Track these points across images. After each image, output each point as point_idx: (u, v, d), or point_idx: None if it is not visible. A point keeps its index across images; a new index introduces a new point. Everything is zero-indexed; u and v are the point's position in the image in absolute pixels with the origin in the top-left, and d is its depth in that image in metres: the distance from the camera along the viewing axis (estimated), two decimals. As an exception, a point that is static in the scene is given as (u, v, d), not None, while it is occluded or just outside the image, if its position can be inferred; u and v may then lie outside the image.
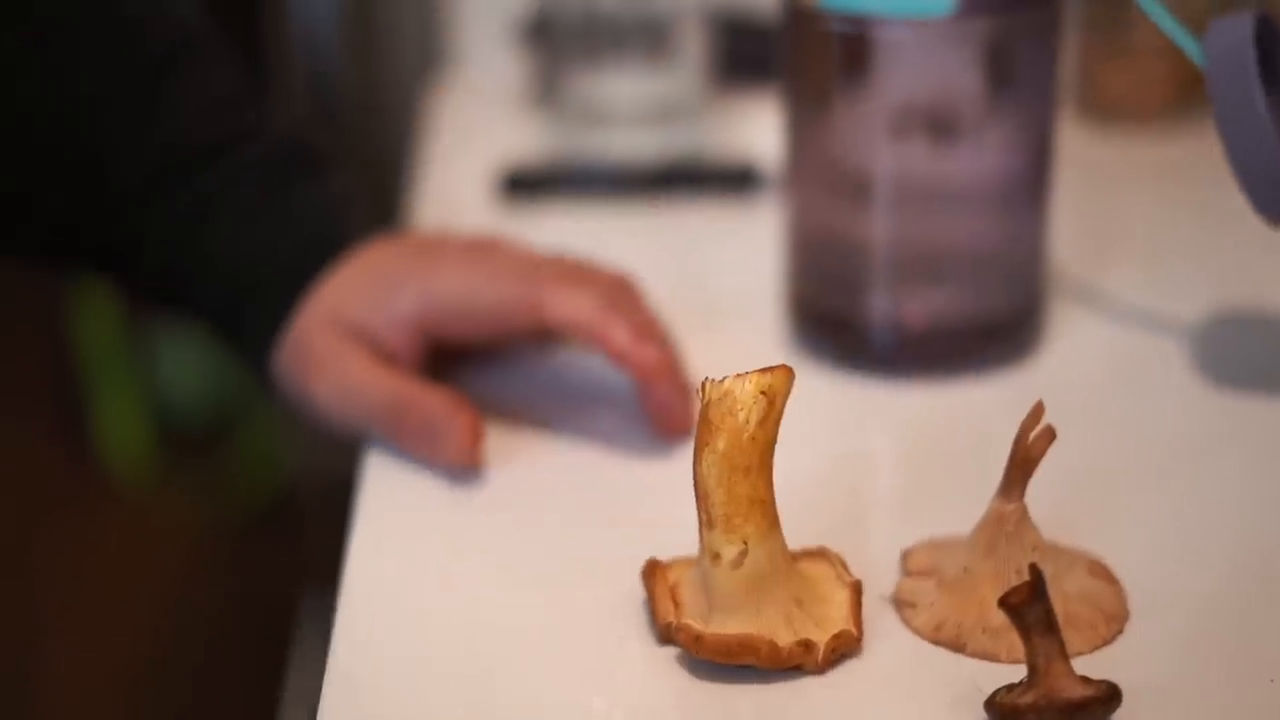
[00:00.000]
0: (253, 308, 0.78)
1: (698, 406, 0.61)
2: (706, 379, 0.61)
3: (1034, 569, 0.58)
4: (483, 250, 0.79)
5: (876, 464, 0.78)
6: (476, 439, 0.73)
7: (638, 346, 0.75)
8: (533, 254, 0.80)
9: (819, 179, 0.81)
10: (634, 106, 1.04)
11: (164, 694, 1.73)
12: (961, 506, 0.67)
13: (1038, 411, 0.63)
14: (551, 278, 0.76)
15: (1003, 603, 0.58)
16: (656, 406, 0.75)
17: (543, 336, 0.80)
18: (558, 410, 0.79)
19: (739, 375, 0.61)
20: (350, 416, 0.76)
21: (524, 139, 1.10)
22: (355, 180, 0.82)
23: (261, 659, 0.89)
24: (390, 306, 0.76)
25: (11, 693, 1.67)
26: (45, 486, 2.01)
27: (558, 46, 1.06)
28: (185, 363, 1.96)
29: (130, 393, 2.01)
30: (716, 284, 0.92)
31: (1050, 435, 0.63)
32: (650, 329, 0.77)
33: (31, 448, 2.04)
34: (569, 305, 0.75)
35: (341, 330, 0.76)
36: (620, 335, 0.75)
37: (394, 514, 0.72)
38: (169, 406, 2.02)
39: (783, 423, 0.61)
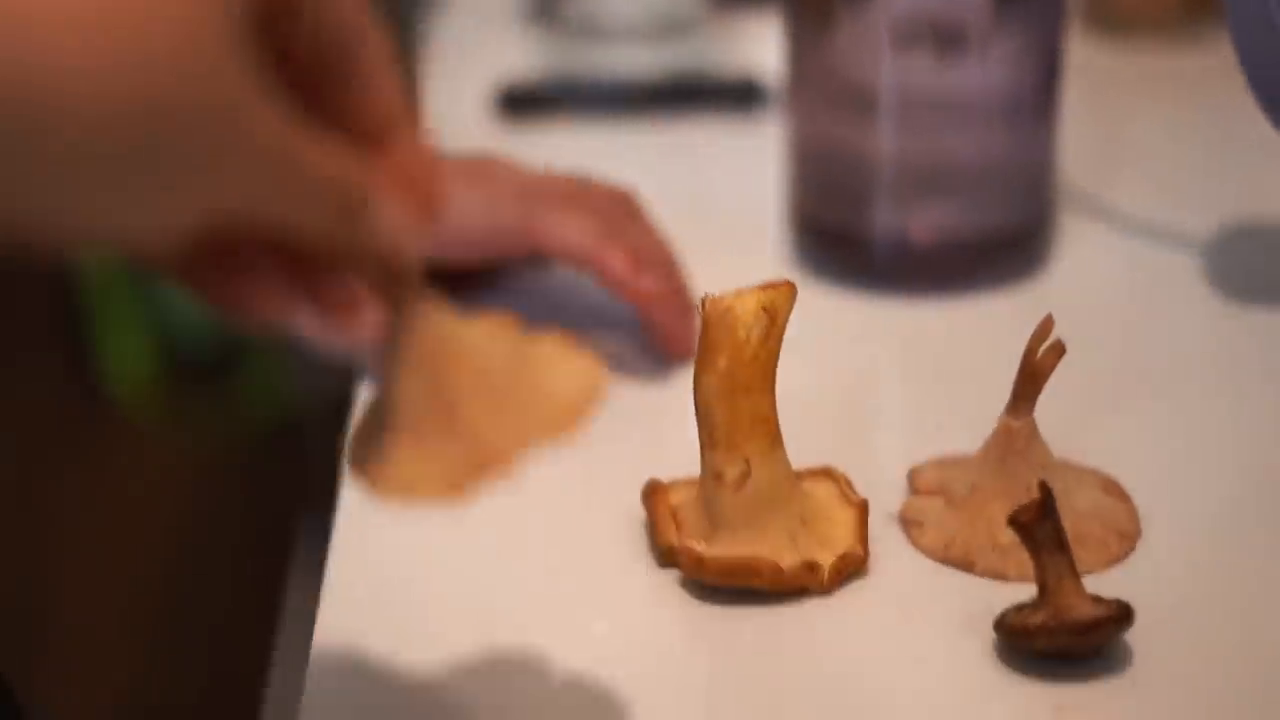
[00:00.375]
0: None
1: (699, 325, 0.60)
2: (706, 296, 0.59)
3: (1043, 486, 0.57)
4: (479, 172, 0.77)
5: (882, 381, 0.77)
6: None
7: (635, 276, 0.73)
8: (531, 175, 0.78)
9: (822, 93, 0.79)
10: (634, 21, 1.02)
11: (170, 616, 1.73)
12: (969, 424, 0.66)
13: (1046, 326, 0.61)
14: (549, 202, 0.75)
15: (1012, 520, 0.57)
16: (658, 332, 0.74)
17: (540, 260, 0.78)
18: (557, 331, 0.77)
19: (740, 292, 0.59)
20: None
21: (523, 56, 1.08)
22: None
23: (264, 582, 0.88)
24: None
25: (23, 620, 1.67)
26: (52, 417, 2.01)
27: (556, -39, 1.04)
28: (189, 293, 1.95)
29: (135, 323, 2.00)
30: (719, 201, 0.91)
31: (1059, 350, 0.61)
32: (652, 253, 0.75)
33: (38, 379, 2.04)
34: (566, 232, 0.74)
35: None
36: (617, 264, 0.73)
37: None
38: (173, 336, 2.02)
39: (786, 340, 0.60)
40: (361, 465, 0.48)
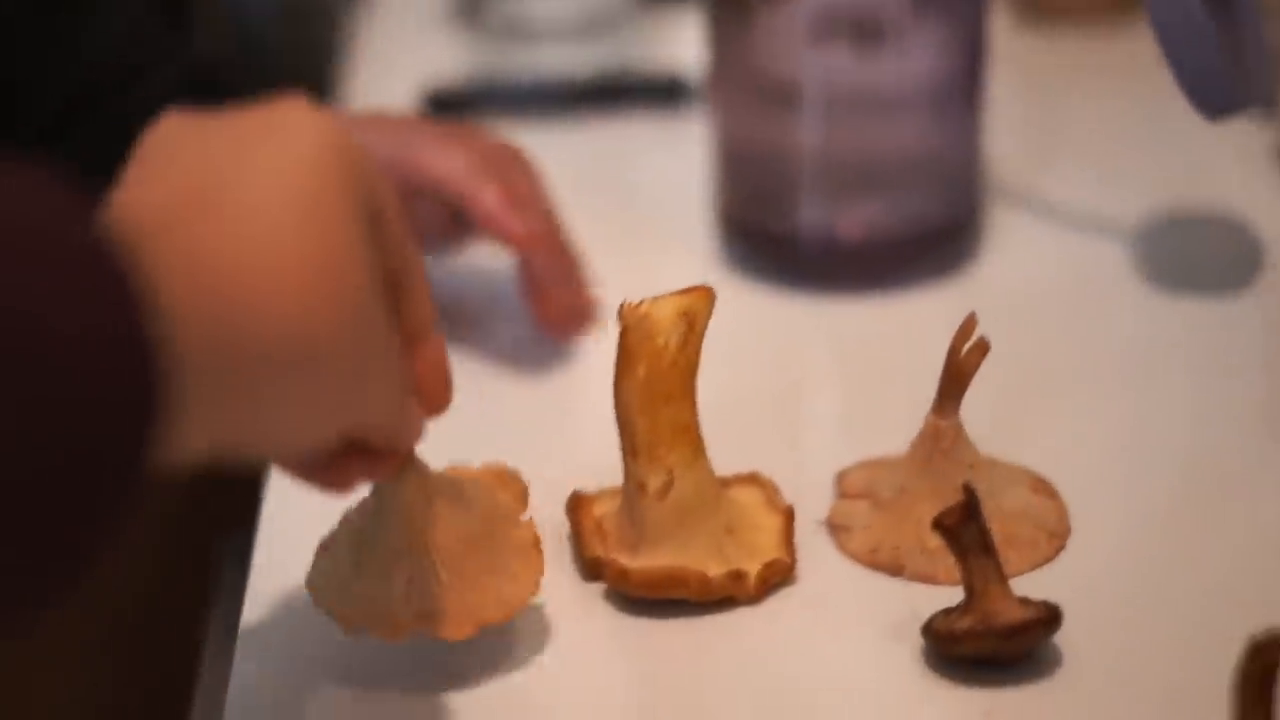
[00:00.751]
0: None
1: (614, 328, 0.59)
2: (624, 303, 0.58)
3: (967, 488, 0.56)
4: (367, 120, 0.77)
5: (811, 382, 0.76)
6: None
7: (509, 213, 0.71)
8: (418, 120, 0.78)
9: (743, 89, 0.78)
10: (559, 21, 1.01)
11: (90, 637, 1.71)
12: (899, 424, 0.65)
13: (969, 325, 0.61)
14: (427, 136, 0.74)
15: (936, 524, 0.56)
16: (533, 285, 0.72)
17: (444, 226, 0.77)
18: (468, 330, 0.76)
19: (657, 298, 0.58)
20: None
21: (449, 57, 1.07)
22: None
23: (183, 602, 0.87)
24: None
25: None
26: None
27: (479, -40, 1.03)
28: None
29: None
30: (647, 200, 0.90)
31: (983, 349, 0.61)
32: (531, 197, 0.74)
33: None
34: (440, 162, 0.72)
35: None
36: (490, 198, 0.72)
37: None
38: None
39: (714, 342, 0.59)
40: (321, 593, 0.56)
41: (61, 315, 0.38)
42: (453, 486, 0.57)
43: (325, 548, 0.57)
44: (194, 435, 0.42)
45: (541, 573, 0.57)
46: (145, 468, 0.40)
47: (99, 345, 0.38)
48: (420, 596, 0.55)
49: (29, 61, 0.73)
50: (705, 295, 0.58)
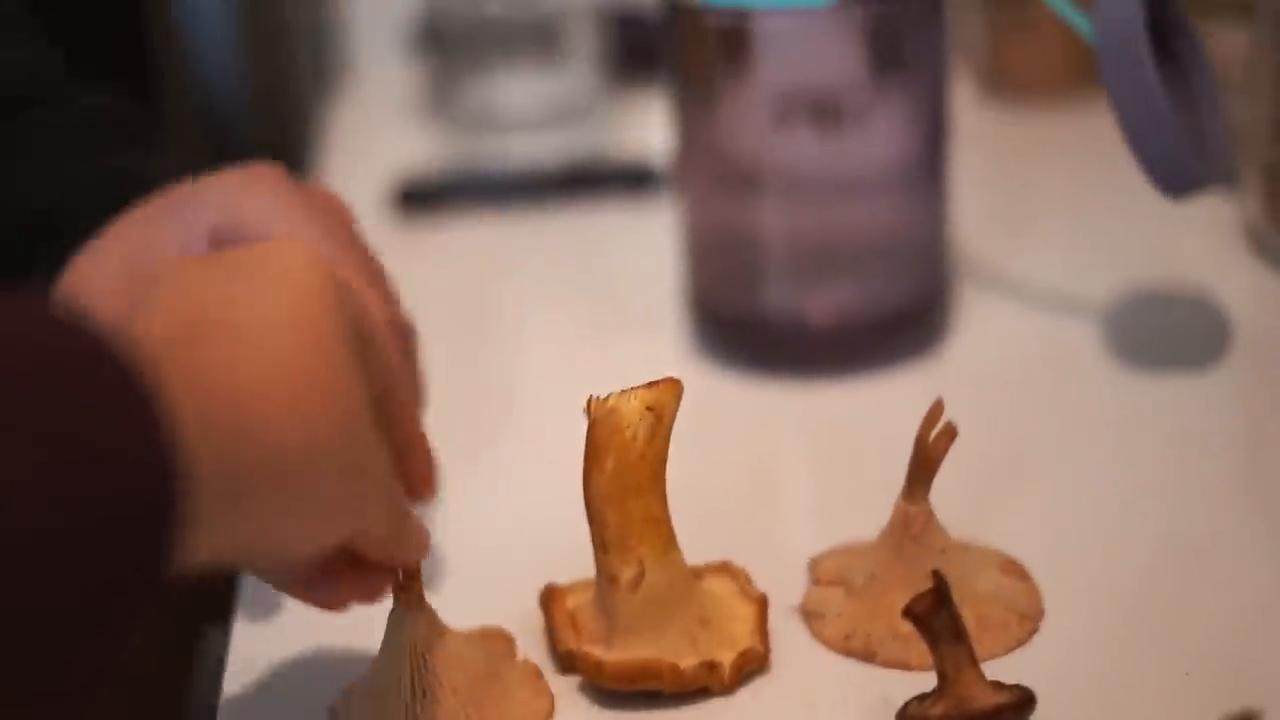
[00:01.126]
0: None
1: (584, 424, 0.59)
2: (591, 397, 0.59)
3: (937, 575, 0.56)
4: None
5: (783, 468, 0.76)
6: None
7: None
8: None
9: (708, 174, 0.79)
10: (528, 110, 1.02)
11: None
12: (872, 509, 0.65)
13: (936, 411, 0.61)
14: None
15: (907, 612, 0.56)
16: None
17: None
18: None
19: (624, 391, 0.58)
20: None
21: (419, 148, 1.08)
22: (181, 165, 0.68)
23: (162, 690, 0.86)
24: (184, 226, 0.63)
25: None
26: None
27: (448, 53, 1.03)
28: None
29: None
30: (618, 287, 0.90)
31: (951, 434, 0.61)
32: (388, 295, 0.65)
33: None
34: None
35: (129, 279, 0.62)
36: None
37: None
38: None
39: (686, 429, 0.59)
40: None
41: (98, 433, 0.40)
42: (450, 631, 0.59)
43: (337, 712, 0.59)
44: (200, 545, 0.43)
45: (552, 698, 0.60)
46: (163, 577, 0.42)
47: (131, 462, 0.40)
48: None
49: None
50: (672, 387, 0.59)
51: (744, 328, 0.80)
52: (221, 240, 0.62)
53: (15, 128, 0.67)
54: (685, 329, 0.83)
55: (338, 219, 0.65)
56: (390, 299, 0.65)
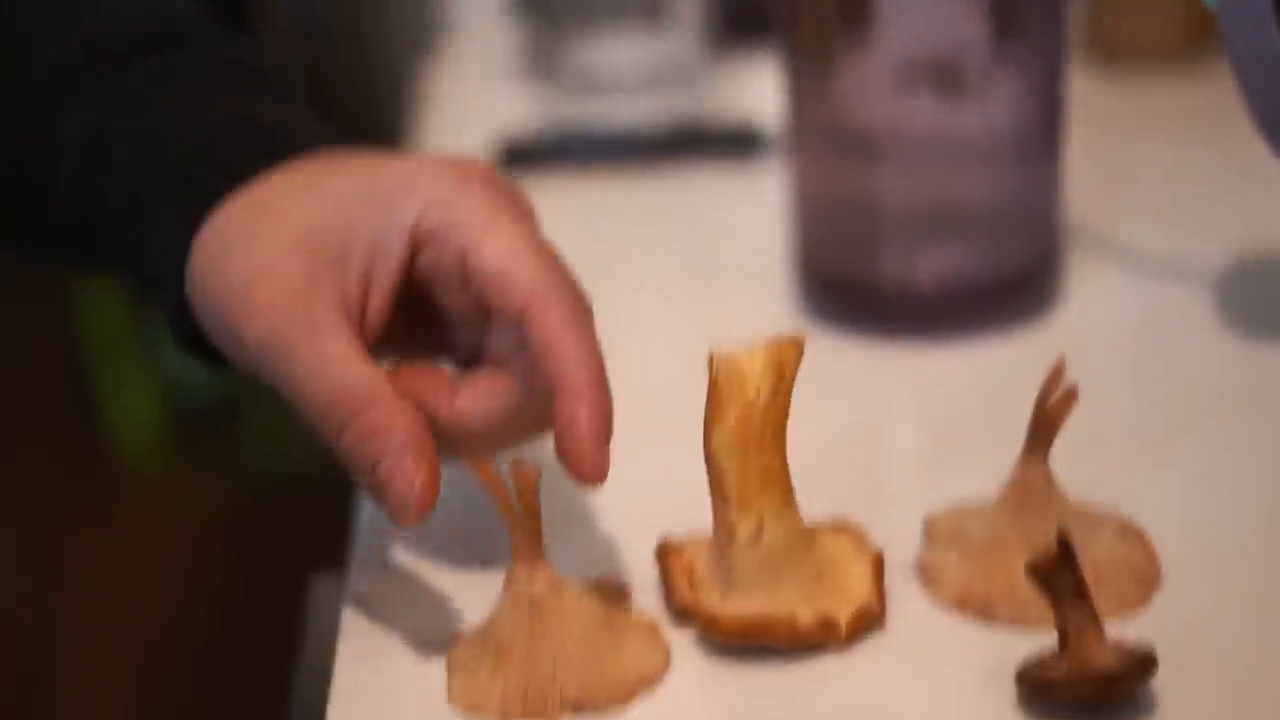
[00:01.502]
0: (170, 211, 0.62)
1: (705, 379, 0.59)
2: (714, 351, 0.59)
3: (1062, 534, 0.56)
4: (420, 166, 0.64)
5: (895, 429, 0.76)
6: (422, 504, 0.57)
7: (584, 351, 0.60)
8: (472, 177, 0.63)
9: (823, 138, 0.78)
10: (632, 72, 1.01)
11: (177, 674, 1.72)
12: (985, 470, 0.66)
13: (1058, 371, 0.61)
14: (481, 209, 0.61)
15: (1030, 570, 0.56)
16: (572, 433, 0.59)
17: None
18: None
19: (748, 347, 0.58)
20: (284, 381, 0.59)
21: (521, 109, 1.08)
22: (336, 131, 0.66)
23: (274, 639, 0.87)
24: (386, 216, 0.61)
25: (28, 679, 1.66)
26: (58, 477, 2.00)
27: (552, 13, 1.03)
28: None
29: (138, 379, 2.00)
30: (724, 250, 0.90)
31: (1072, 396, 0.61)
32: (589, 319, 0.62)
33: (43, 439, 2.03)
34: (501, 256, 0.60)
35: (306, 254, 0.60)
36: (562, 318, 0.60)
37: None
38: (177, 391, 2.01)
39: (797, 390, 0.59)
40: (468, 702, 0.58)
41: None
42: (567, 583, 0.60)
43: (454, 664, 0.60)
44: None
45: (668, 651, 0.60)
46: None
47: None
48: (567, 679, 0.57)
49: (45, 13, 0.66)
50: (795, 343, 0.59)
51: (854, 290, 0.79)
52: (422, 240, 0.60)
53: (159, 65, 0.65)
54: (792, 291, 0.83)
55: (535, 224, 0.63)
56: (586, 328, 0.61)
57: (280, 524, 1.86)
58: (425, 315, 0.64)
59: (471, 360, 0.64)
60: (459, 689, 0.59)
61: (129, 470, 1.98)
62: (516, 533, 0.58)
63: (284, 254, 0.59)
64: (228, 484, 1.95)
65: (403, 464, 0.57)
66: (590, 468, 0.58)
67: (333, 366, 0.58)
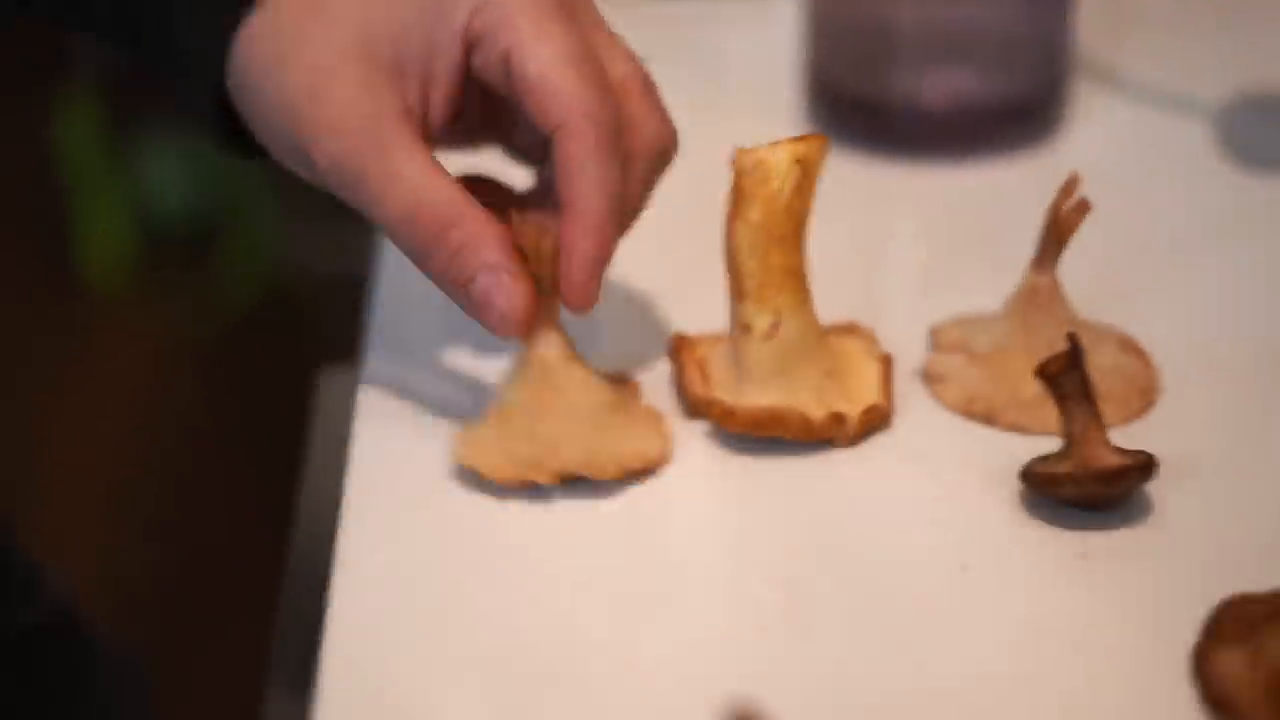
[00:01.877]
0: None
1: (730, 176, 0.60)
2: (739, 148, 0.60)
3: (1072, 337, 0.57)
4: None
5: (902, 244, 0.77)
6: (527, 315, 0.59)
7: (605, 183, 0.59)
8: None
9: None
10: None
11: (168, 506, 1.73)
12: (986, 285, 0.67)
13: (1072, 183, 0.62)
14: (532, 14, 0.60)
15: (1039, 371, 0.57)
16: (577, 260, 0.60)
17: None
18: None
19: (773, 144, 0.60)
20: (361, 203, 0.59)
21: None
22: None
23: (270, 451, 0.89)
24: (439, 17, 0.60)
25: (7, 489, 1.67)
26: (29, 298, 2.00)
27: None
28: (168, 168, 1.94)
29: (112, 199, 1.99)
30: (734, 70, 0.91)
31: (1085, 208, 0.62)
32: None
33: (14, 260, 2.02)
34: (544, 67, 0.59)
35: (364, 62, 0.59)
36: (591, 144, 0.59)
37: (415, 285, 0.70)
38: (153, 213, 2.01)
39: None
40: (470, 458, 0.59)
41: None
42: (581, 359, 0.61)
43: (464, 428, 0.61)
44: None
45: (671, 440, 0.61)
46: None
47: None
48: (569, 447, 0.59)
49: None
50: (819, 142, 0.60)
51: (865, 109, 0.80)
52: (474, 41, 0.59)
53: None
54: (803, 110, 0.84)
55: (590, 28, 0.62)
56: (655, 103, 0.63)
57: (267, 337, 1.87)
58: (490, 113, 0.64)
59: (541, 157, 0.65)
60: (463, 447, 0.60)
61: (103, 293, 1.97)
62: (536, 296, 0.59)
63: (343, 61, 0.59)
64: (205, 305, 1.95)
65: (500, 279, 0.58)
66: (579, 296, 0.59)
67: (410, 186, 0.58)
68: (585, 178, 0.59)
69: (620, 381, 0.63)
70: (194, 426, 1.81)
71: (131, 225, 1.99)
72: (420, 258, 0.59)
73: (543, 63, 0.59)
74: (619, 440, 0.60)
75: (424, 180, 0.58)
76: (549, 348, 0.60)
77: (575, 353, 0.60)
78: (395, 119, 0.59)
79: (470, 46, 0.60)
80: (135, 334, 1.94)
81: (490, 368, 0.65)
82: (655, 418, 0.62)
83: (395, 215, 0.58)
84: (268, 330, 1.89)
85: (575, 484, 0.59)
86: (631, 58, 0.63)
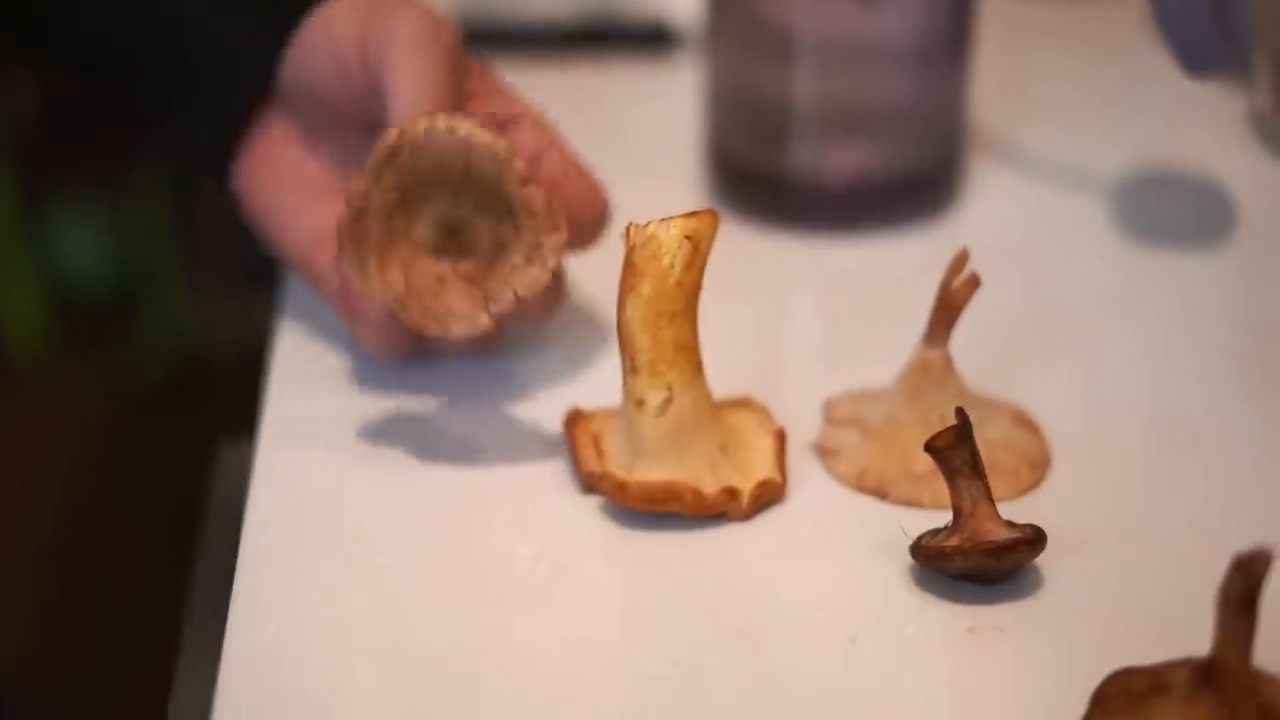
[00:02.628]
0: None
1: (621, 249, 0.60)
2: (631, 223, 0.60)
3: (960, 412, 0.58)
4: None
5: (798, 318, 0.78)
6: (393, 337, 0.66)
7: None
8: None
9: (742, 35, 0.80)
10: (546, -36, 1.02)
11: (75, 570, 1.72)
12: (881, 359, 0.67)
13: (962, 258, 0.63)
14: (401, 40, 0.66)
15: (929, 446, 0.58)
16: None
17: None
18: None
19: (664, 219, 0.60)
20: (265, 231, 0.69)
21: (434, -1, 1.08)
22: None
23: (175, 522, 0.88)
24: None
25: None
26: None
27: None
28: (81, 239, 1.93)
29: (26, 271, 1.98)
30: (633, 143, 0.91)
31: (975, 282, 0.63)
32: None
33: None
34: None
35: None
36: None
37: (310, 366, 0.70)
38: (67, 284, 1.99)
39: (705, 275, 0.60)
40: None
41: None
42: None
43: None
44: None
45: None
46: None
47: None
48: None
49: None
50: (710, 218, 0.60)
51: (763, 183, 0.81)
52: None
53: None
54: (702, 182, 0.84)
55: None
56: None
57: (179, 409, 1.86)
58: None
59: None
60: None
61: (16, 365, 1.96)
62: None
63: None
64: (120, 376, 1.94)
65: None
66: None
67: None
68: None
69: None
70: (100, 496, 1.80)
71: (44, 297, 1.98)
72: None
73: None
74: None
75: None
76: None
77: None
78: None
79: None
80: (47, 404, 1.93)
81: (389, 442, 0.65)
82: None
83: None
84: (177, 400, 1.88)
85: (465, 552, 0.59)
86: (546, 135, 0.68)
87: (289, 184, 0.68)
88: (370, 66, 0.65)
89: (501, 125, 0.64)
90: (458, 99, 0.65)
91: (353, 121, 0.67)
